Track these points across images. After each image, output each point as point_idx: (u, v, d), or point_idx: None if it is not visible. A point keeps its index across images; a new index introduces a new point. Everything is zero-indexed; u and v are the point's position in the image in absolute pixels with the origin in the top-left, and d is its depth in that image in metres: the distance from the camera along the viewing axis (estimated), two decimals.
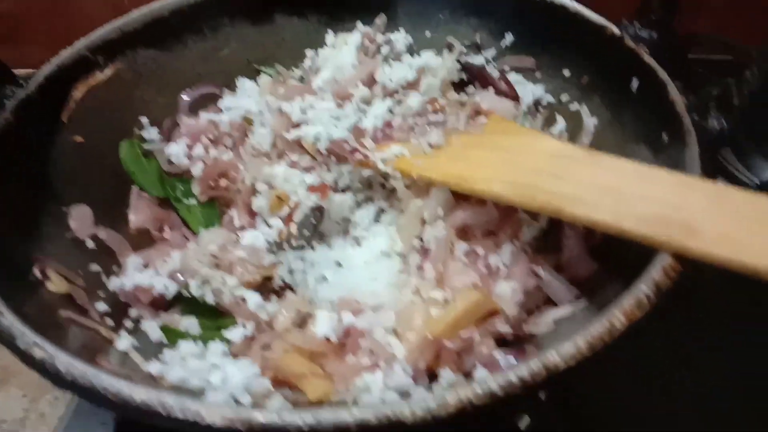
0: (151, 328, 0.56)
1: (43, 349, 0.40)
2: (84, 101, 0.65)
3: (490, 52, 0.74)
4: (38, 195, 0.59)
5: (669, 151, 0.53)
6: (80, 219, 0.61)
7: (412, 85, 0.69)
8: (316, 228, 0.62)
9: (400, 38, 0.76)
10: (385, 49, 0.74)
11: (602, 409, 0.70)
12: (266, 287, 0.60)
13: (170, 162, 0.70)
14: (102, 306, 0.56)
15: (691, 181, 0.45)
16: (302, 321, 0.57)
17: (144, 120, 0.71)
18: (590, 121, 0.65)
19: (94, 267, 0.59)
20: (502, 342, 0.53)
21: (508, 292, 0.53)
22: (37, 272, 0.52)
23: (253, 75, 0.77)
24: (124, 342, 0.52)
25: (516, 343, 0.53)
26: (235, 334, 0.56)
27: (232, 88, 0.76)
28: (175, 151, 0.70)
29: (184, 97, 0.74)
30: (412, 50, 0.75)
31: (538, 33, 0.72)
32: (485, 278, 0.55)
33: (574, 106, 0.68)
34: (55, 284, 0.53)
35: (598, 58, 0.65)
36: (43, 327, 0.45)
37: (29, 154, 0.59)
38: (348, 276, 0.60)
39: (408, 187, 0.61)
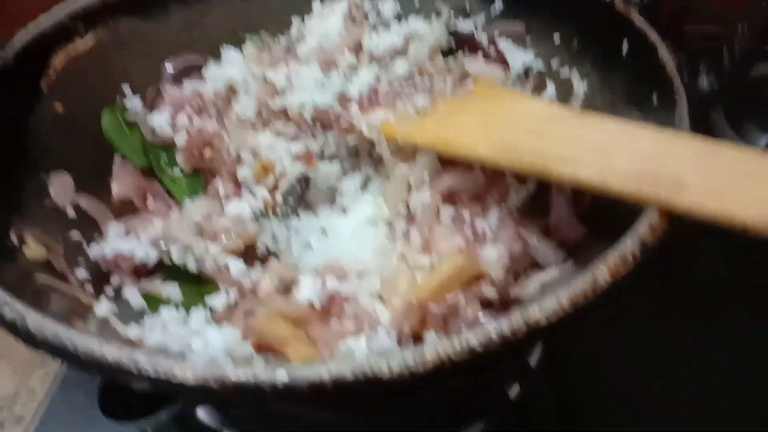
0: (133, 295, 0.56)
1: (13, 309, 0.39)
2: (64, 70, 0.64)
3: (480, 19, 0.73)
4: (17, 163, 0.57)
5: (659, 113, 0.52)
6: (61, 187, 0.60)
7: (399, 52, 0.67)
8: (301, 197, 0.62)
9: (389, 6, 0.74)
10: (372, 17, 0.73)
11: (595, 393, 0.69)
12: (250, 254, 0.59)
13: (154, 132, 0.69)
14: (82, 273, 0.55)
15: (680, 138, 0.44)
16: (286, 288, 0.56)
17: (127, 89, 0.69)
18: (580, 86, 0.64)
19: (75, 235, 0.58)
20: (488, 307, 0.52)
21: (494, 256, 0.52)
22: (13, 237, 0.51)
23: (239, 44, 0.75)
24: (103, 308, 0.52)
25: (502, 307, 0.52)
26: (218, 300, 0.55)
27: (217, 57, 0.75)
28: (159, 120, 0.68)
29: (168, 66, 0.72)
30: (400, 17, 0.74)
31: None
32: (471, 243, 0.54)
33: (564, 72, 0.66)
34: (33, 250, 0.52)
35: (589, 22, 0.64)
36: (18, 291, 0.44)
37: (7, 122, 0.58)
38: (333, 243, 0.59)
39: (394, 153, 0.60)
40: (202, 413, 0.68)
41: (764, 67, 0.73)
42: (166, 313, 0.53)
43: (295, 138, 0.65)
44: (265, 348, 0.52)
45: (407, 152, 0.59)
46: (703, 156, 0.42)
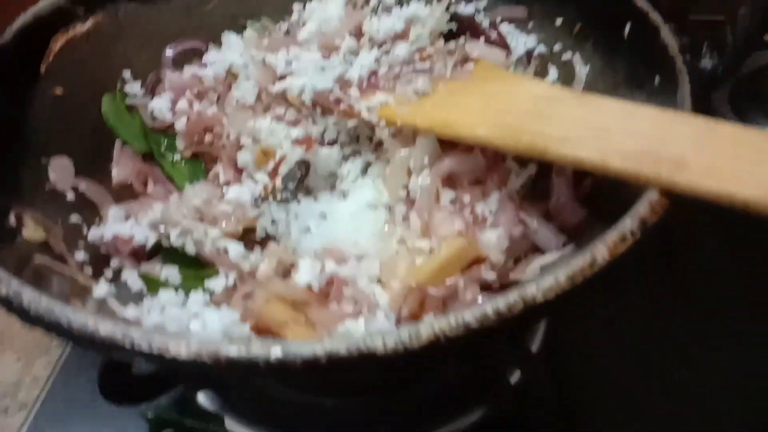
0: (132, 277, 0.56)
1: (9, 285, 0.39)
2: (63, 53, 0.64)
3: (482, 2, 0.72)
4: (16, 146, 0.57)
5: (661, 94, 0.52)
6: (60, 170, 0.60)
7: (400, 36, 0.67)
8: (301, 181, 0.61)
9: None
10: (373, 1, 0.72)
11: (594, 390, 0.69)
12: (249, 238, 0.59)
13: (154, 117, 0.69)
14: (81, 255, 0.55)
15: (681, 117, 0.44)
16: (285, 271, 0.56)
17: (127, 74, 0.69)
18: (582, 70, 0.63)
19: (75, 218, 0.58)
20: (488, 290, 0.52)
21: (493, 239, 0.52)
22: (12, 219, 0.51)
23: (240, 30, 0.75)
24: (101, 289, 0.52)
25: (502, 291, 0.52)
26: (217, 284, 0.55)
27: (217, 43, 0.75)
28: (159, 105, 0.68)
29: (168, 51, 0.72)
30: (401, 1, 0.73)
31: None
32: (471, 226, 0.54)
33: (567, 56, 0.66)
34: (31, 231, 0.52)
35: (591, 4, 0.63)
36: (16, 270, 0.44)
37: (5, 104, 0.58)
38: (332, 227, 0.58)
39: (394, 136, 0.59)
40: (203, 398, 0.68)
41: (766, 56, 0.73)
42: (165, 295, 0.53)
43: (295, 123, 0.64)
44: (264, 331, 0.52)
45: (407, 136, 0.59)
46: (705, 135, 0.41)
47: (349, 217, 0.60)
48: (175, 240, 0.56)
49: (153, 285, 0.55)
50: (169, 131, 0.69)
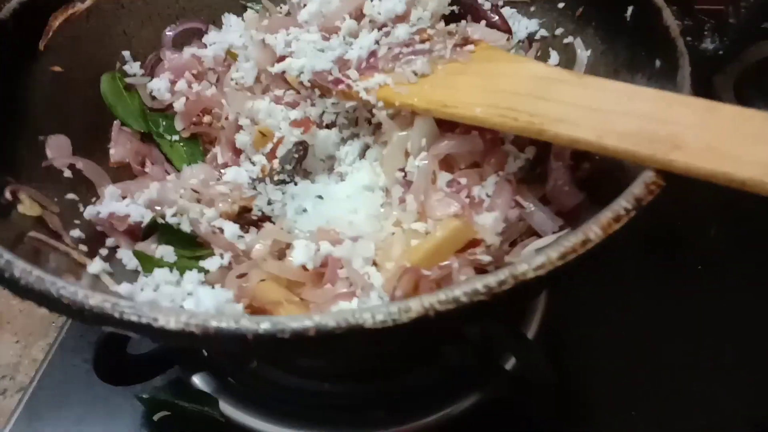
0: (127, 256, 0.56)
1: (0, 256, 0.39)
2: (63, 31, 0.64)
3: None
4: (13, 123, 0.57)
5: (662, 77, 0.51)
6: (58, 148, 0.60)
7: (401, 18, 0.66)
8: (298, 162, 0.61)
9: None
10: None
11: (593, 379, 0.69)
12: (244, 219, 0.59)
13: (153, 97, 0.69)
14: (77, 233, 0.55)
15: (679, 98, 0.43)
16: (280, 251, 0.56)
17: (126, 54, 0.69)
18: (584, 54, 0.63)
19: (71, 196, 0.58)
20: (483, 273, 0.51)
21: (489, 221, 0.52)
22: (7, 194, 0.51)
23: (240, 11, 0.75)
24: (96, 266, 0.52)
25: None
26: (212, 263, 0.55)
27: (218, 24, 0.74)
28: (158, 85, 0.68)
29: (168, 32, 0.72)
30: None
31: None
32: (467, 208, 0.53)
33: (568, 40, 0.65)
34: (27, 207, 0.52)
35: None
36: (10, 244, 0.44)
37: (3, 81, 0.57)
38: (328, 208, 0.58)
39: (392, 118, 0.59)
40: (199, 380, 0.68)
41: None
42: (160, 274, 0.53)
43: (293, 105, 0.64)
44: (258, 311, 0.52)
45: (405, 118, 0.59)
46: (702, 116, 0.41)
47: (345, 198, 0.59)
48: (170, 219, 0.56)
49: (148, 264, 0.55)
50: (167, 111, 0.69)
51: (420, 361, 0.67)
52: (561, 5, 0.67)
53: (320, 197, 0.60)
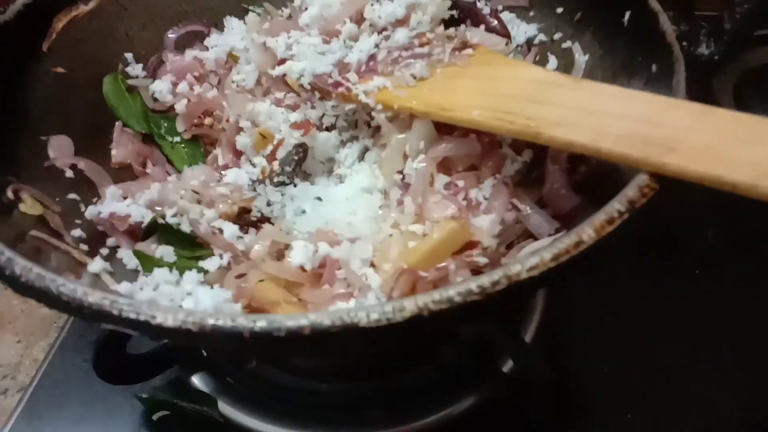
0: (127, 255, 0.56)
1: (1, 253, 0.39)
2: (66, 33, 0.64)
3: None
4: (15, 122, 0.58)
5: (658, 81, 0.52)
6: (60, 148, 0.61)
7: (401, 22, 0.67)
8: (298, 164, 0.61)
9: None
10: None
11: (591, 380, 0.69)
12: (244, 220, 0.59)
13: (155, 99, 0.70)
14: (77, 232, 0.56)
15: (673, 101, 0.44)
16: (279, 252, 0.56)
17: (129, 56, 0.70)
18: (582, 59, 0.63)
19: (72, 196, 0.59)
20: (479, 275, 0.52)
21: (486, 223, 0.52)
22: (9, 193, 0.52)
23: (242, 14, 0.76)
24: (96, 265, 0.52)
25: None
26: (211, 263, 0.55)
27: (220, 27, 0.75)
28: (160, 87, 0.69)
29: (170, 34, 0.73)
30: None
31: None
32: (464, 210, 0.54)
33: (567, 44, 0.66)
34: (28, 206, 0.53)
35: None
36: (11, 243, 0.45)
37: (6, 81, 0.58)
38: (327, 209, 0.59)
39: (391, 121, 0.60)
40: (198, 380, 0.69)
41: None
42: (159, 273, 0.54)
43: (294, 107, 0.65)
44: (256, 311, 0.52)
45: (404, 121, 0.59)
46: (695, 119, 0.41)
47: (344, 200, 0.60)
48: (170, 219, 0.57)
49: (148, 264, 0.55)
50: (169, 113, 0.70)
51: (417, 362, 0.68)
52: (559, 10, 0.67)
53: (319, 199, 0.60)
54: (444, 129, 0.57)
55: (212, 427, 0.66)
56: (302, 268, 0.53)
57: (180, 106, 0.68)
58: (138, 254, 0.55)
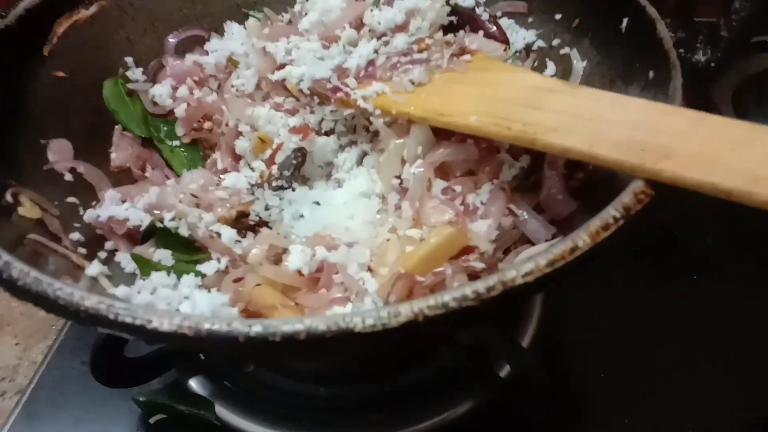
0: (125, 259, 0.56)
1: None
2: (67, 37, 0.65)
3: None
4: (15, 125, 0.58)
5: (655, 87, 0.52)
6: (60, 152, 0.61)
7: (400, 28, 0.67)
8: (297, 168, 0.62)
9: None
10: None
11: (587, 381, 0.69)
12: (242, 224, 0.59)
13: (154, 103, 0.70)
14: (76, 236, 0.56)
15: (669, 108, 0.44)
16: (277, 256, 0.56)
17: (129, 60, 0.70)
18: (579, 65, 0.64)
19: (71, 199, 0.59)
20: (476, 279, 0.52)
21: (483, 229, 0.52)
22: (9, 197, 0.52)
23: (242, 19, 0.76)
24: (94, 268, 0.52)
25: None
26: (209, 267, 0.56)
27: (220, 32, 0.75)
28: (160, 91, 0.69)
29: (171, 39, 0.73)
30: None
31: None
32: (461, 215, 0.54)
33: (565, 50, 0.66)
34: (27, 209, 0.53)
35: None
36: (10, 246, 0.45)
37: (7, 85, 0.58)
38: (325, 214, 0.59)
39: (389, 126, 0.60)
40: (195, 383, 0.69)
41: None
42: (157, 276, 0.54)
43: (293, 112, 0.65)
44: (253, 314, 0.52)
45: (402, 126, 0.59)
46: (692, 126, 0.41)
47: (342, 204, 0.60)
48: (168, 223, 0.57)
49: (145, 267, 0.55)
50: (169, 117, 0.70)
51: (414, 365, 0.68)
52: (558, 16, 0.68)
53: (317, 203, 0.60)
54: (442, 134, 0.57)
55: (209, 430, 0.66)
56: (299, 273, 0.53)
57: (180, 110, 0.68)
58: (136, 258, 0.55)
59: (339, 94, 0.61)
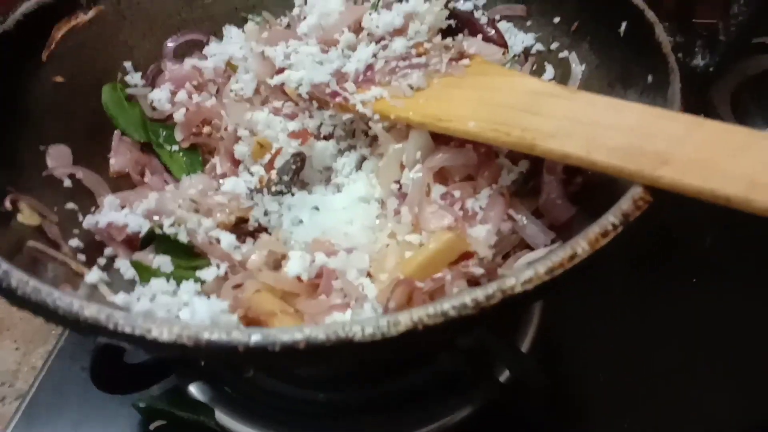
0: (125, 266, 0.56)
1: None
2: (65, 41, 0.64)
3: (481, 0, 0.72)
4: (14, 132, 0.58)
5: (653, 91, 0.52)
6: (59, 158, 0.61)
7: (399, 32, 0.67)
8: (296, 173, 0.62)
9: None
10: None
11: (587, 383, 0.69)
12: (241, 230, 0.59)
13: (153, 107, 0.70)
14: (75, 242, 0.56)
15: (667, 113, 0.44)
16: (276, 262, 0.56)
17: (128, 65, 0.70)
18: (578, 69, 0.64)
19: (70, 205, 0.59)
20: (475, 285, 0.52)
21: (482, 234, 0.52)
22: (7, 203, 0.52)
23: (241, 23, 0.76)
24: (93, 275, 0.52)
25: None
26: (209, 273, 0.55)
27: (219, 36, 0.75)
28: (159, 96, 0.69)
29: (169, 43, 0.73)
30: None
31: None
32: (460, 221, 0.54)
33: (564, 54, 0.66)
34: (26, 216, 0.53)
35: (590, 3, 0.64)
36: (9, 253, 0.45)
37: (5, 90, 0.58)
38: (324, 219, 0.59)
39: (388, 131, 0.60)
40: (195, 389, 0.69)
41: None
42: (156, 283, 0.54)
43: (292, 116, 0.65)
44: (253, 321, 0.52)
45: (401, 131, 0.59)
46: (690, 131, 0.41)
47: (341, 210, 0.60)
48: (168, 229, 0.57)
49: (145, 274, 0.55)
50: (168, 122, 0.70)
51: (414, 371, 0.68)
52: (556, 20, 0.68)
53: (316, 208, 0.60)
54: (440, 139, 0.57)
55: None
56: (299, 279, 0.53)
57: (178, 115, 0.68)
58: (135, 264, 0.55)
59: (338, 99, 0.61)
